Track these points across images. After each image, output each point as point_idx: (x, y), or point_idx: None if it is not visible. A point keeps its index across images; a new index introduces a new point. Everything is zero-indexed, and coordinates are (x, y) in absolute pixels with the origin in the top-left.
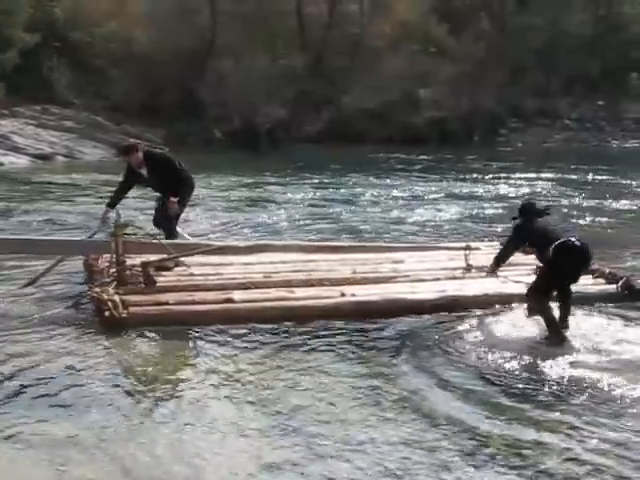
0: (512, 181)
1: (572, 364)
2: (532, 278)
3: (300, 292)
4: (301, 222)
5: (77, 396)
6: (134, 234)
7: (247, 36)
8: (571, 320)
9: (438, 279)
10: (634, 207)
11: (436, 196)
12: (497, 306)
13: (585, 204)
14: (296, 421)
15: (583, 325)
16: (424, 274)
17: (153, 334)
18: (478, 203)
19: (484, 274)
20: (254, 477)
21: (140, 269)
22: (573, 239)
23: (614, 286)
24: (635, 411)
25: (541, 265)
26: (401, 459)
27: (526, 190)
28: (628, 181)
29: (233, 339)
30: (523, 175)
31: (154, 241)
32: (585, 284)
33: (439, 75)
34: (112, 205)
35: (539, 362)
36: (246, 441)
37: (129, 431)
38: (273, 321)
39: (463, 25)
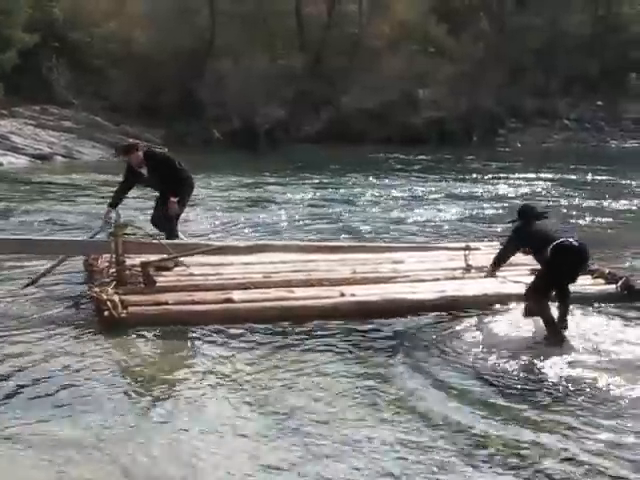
0: (511, 181)
1: (571, 364)
2: (531, 278)
3: (300, 292)
4: (300, 222)
5: (76, 396)
6: (134, 234)
7: (246, 36)
8: (570, 320)
9: (438, 279)
10: (633, 207)
11: (435, 196)
12: (496, 306)
13: (584, 204)
14: (294, 422)
15: (582, 325)
16: (424, 274)
17: (152, 334)
18: (477, 203)
19: (483, 275)
20: (252, 477)
21: (140, 269)
22: (571, 239)
23: (613, 286)
24: (633, 412)
25: (539, 267)
26: (398, 459)
27: (525, 190)
28: (627, 181)
29: (232, 339)
30: (522, 175)
31: (154, 241)
32: (585, 284)
33: (438, 75)
34: (114, 205)
35: (538, 362)
36: (244, 441)
37: (128, 431)
38: (272, 321)
39: (462, 25)
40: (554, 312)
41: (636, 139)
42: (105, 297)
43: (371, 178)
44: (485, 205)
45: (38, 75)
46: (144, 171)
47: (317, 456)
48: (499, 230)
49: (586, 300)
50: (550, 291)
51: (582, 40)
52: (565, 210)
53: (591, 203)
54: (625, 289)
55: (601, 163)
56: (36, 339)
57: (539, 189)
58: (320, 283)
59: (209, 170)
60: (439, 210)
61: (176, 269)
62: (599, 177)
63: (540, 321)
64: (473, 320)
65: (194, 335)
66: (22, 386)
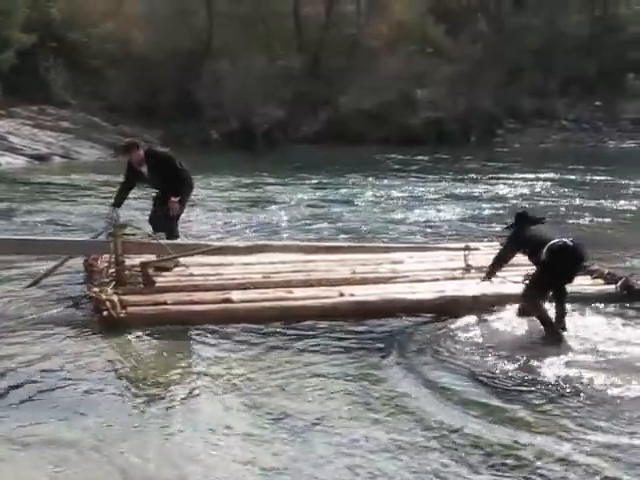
0: (510, 182)
1: (568, 364)
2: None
3: (299, 292)
4: (300, 223)
5: (74, 396)
6: (133, 234)
7: (244, 37)
8: (569, 320)
9: (437, 279)
10: (632, 207)
11: (434, 196)
12: (496, 307)
13: (583, 204)
14: (289, 423)
15: (581, 325)
16: (423, 274)
17: (151, 334)
18: (476, 203)
19: (481, 278)
20: (247, 478)
21: (139, 269)
22: (566, 239)
23: (613, 286)
24: (631, 413)
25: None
26: (392, 461)
27: (524, 191)
28: (625, 181)
29: (232, 339)
30: (520, 176)
31: (153, 241)
32: (584, 284)
33: (436, 76)
34: (117, 205)
35: (535, 362)
36: (240, 443)
37: (126, 432)
38: (271, 321)
39: (460, 26)
40: (551, 313)
41: (634, 139)
42: (104, 297)
43: (370, 178)
44: (484, 205)
45: (36, 75)
46: (144, 170)
47: (311, 457)
48: (498, 230)
49: (585, 300)
50: (547, 292)
51: (580, 40)
52: (564, 210)
53: (590, 203)
54: (624, 289)
55: (599, 163)
56: (35, 339)
57: (537, 189)
58: (320, 283)
59: (207, 171)
60: (438, 210)
61: (176, 269)
62: (597, 177)
63: (537, 321)
64: (471, 320)
65: (193, 335)
66: (20, 386)
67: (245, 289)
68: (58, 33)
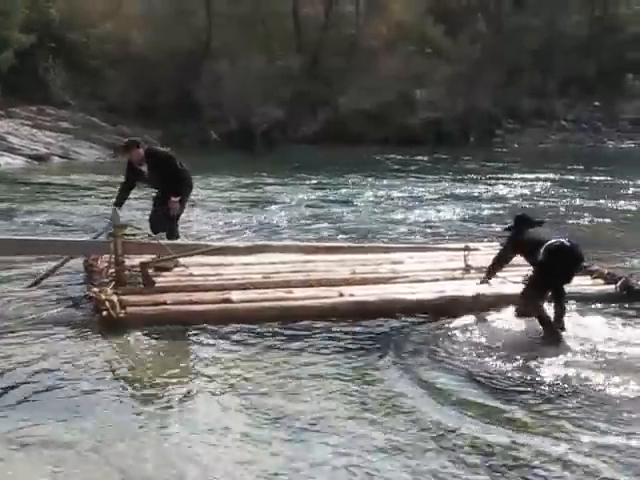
0: (509, 182)
1: (567, 365)
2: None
3: (298, 292)
4: (299, 223)
5: (73, 397)
6: (134, 235)
7: (243, 37)
8: (569, 320)
9: (437, 280)
10: (632, 208)
11: (433, 197)
12: (495, 307)
13: (582, 205)
14: (286, 425)
15: (581, 325)
16: (423, 275)
17: (151, 334)
18: (475, 204)
19: (480, 280)
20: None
21: (139, 269)
22: (563, 240)
23: (613, 286)
24: (629, 414)
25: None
26: (390, 462)
27: (523, 191)
28: (625, 182)
29: (230, 340)
30: (520, 176)
31: (153, 242)
32: (584, 284)
33: (435, 76)
34: (119, 204)
35: (533, 363)
36: (238, 444)
37: (125, 433)
38: (271, 321)
39: (459, 26)
40: (550, 313)
41: (633, 139)
42: (104, 297)
43: (369, 179)
44: (484, 205)
45: (35, 75)
46: (144, 169)
47: (309, 457)
48: (498, 230)
49: (585, 300)
50: (546, 292)
51: (579, 41)
52: (563, 211)
53: (589, 204)
54: (624, 289)
55: (598, 164)
56: (34, 339)
57: (536, 190)
58: (319, 284)
59: (207, 171)
60: (437, 210)
61: (176, 270)
62: (596, 178)
63: (536, 321)
64: (470, 321)
65: (193, 335)
66: (19, 386)
67: (245, 289)
68: (57, 33)
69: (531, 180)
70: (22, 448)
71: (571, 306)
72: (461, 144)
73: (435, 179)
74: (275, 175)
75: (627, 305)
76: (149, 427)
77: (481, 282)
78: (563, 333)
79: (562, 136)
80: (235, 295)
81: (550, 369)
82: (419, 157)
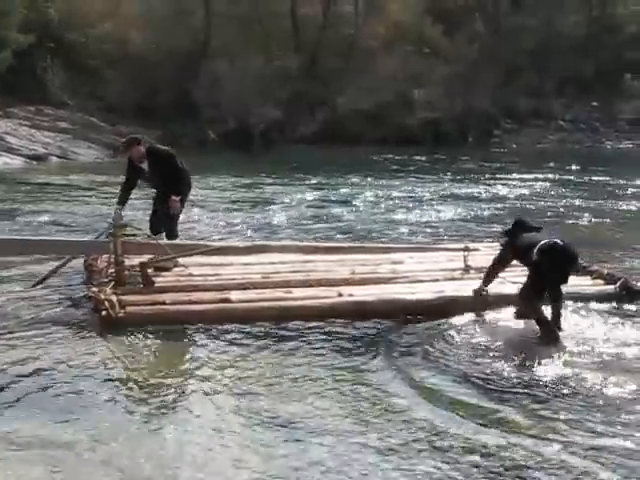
0: (507, 182)
1: (565, 365)
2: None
3: (297, 292)
4: (298, 223)
5: (71, 396)
6: (134, 235)
7: (241, 37)
8: (569, 320)
9: (437, 280)
10: (631, 208)
11: (432, 197)
12: (495, 307)
13: (580, 205)
14: (282, 425)
15: (580, 326)
16: (422, 275)
17: (150, 334)
18: (474, 204)
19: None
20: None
21: (138, 269)
22: (556, 240)
23: (612, 287)
24: (627, 415)
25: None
26: (384, 463)
27: (521, 191)
28: (623, 182)
29: (229, 340)
30: (518, 176)
31: (153, 242)
32: (584, 285)
33: (433, 76)
34: (122, 203)
35: (531, 363)
36: (234, 445)
37: (123, 433)
38: (270, 321)
39: (457, 26)
40: (548, 313)
41: (631, 140)
42: (103, 297)
43: (368, 179)
44: (483, 206)
45: (33, 76)
46: (145, 166)
47: (303, 458)
48: (497, 231)
49: (585, 300)
50: (542, 292)
51: (577, 41)
52: (562, 211)
53: (587, 204)
54: (624, 290)
55: (596, 164)
56: (33, 339)
57: (535, 190)
58: (319, 284)
59: (205, 171)
60: (437, 211)
61: (175, 270)
62: (595, 178)
63: (534, 322)
64: (468, 321)
65: (191, 335)
66: (17, 386)
67: (244, 289)
68: (56, 33)
69: (529, 180)
70: (19, 447)
71: (571, 306)
72: (459, 144)
73: (433, 179)
74: (273, 175)
75: (627, 305)
76: (147, 427)
77: (478, 289)
78: (561, 333)
79: (560, 136)
80: (234, 295)
81: (547, 370)
82: (417, 157)
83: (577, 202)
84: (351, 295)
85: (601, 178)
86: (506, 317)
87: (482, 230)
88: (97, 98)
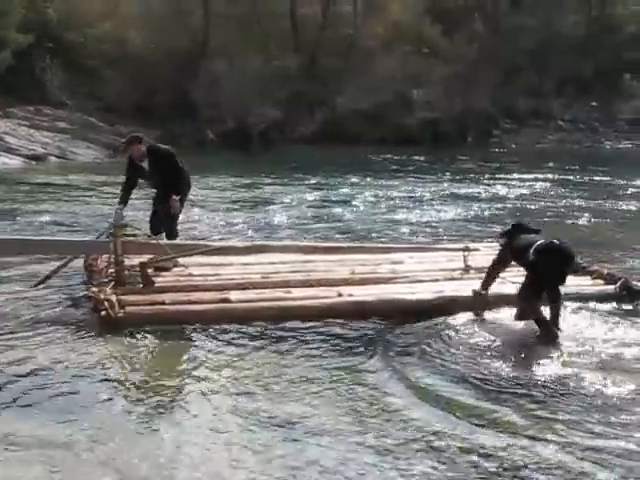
0: (507, 182)
1: (564, 365)
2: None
3: (297, 292)
4: (298, 223)
5: (69, 396)
6: (134, 235)
7: (240, 37)
8: (568, 320)
9: (437, 280)
10: (630, 208)
11: (432, 197)
12: (494, 307)
13: (580, 205)
14: (279, 425)
15: (580, 326)
16: (422, 275)
17: (149, 334)
18: (474, 204)
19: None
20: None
21: (138, 269)
22: (552, 240)
23: (612, 287)
24: (626, 416)
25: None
26: (381, 464)
27: (521, 191)
28: (622, 182)
29: (228, 340)
30: (517, 176)
31: (153, 242)
32: (584, 285)
33: (432, 76)
34: (123, 203)
35: (530, 363)
36: (232, 446)
37: (122, 433)
38: (269, 321)
39: (456, 26)
40: (546, 314)
41: (630, 140)
42: (103, 297)
43: (367, 179)
44: (483, 206)
45: (32, 76)
46: (145, 165)
47: (299, 458)
48: (497, 231)
49: (585, 300)
50: (541, 292)
51: (576, 41)
52: (561, 211)
53: (587, 204)
54: (624, 290)
55: (596, 164)
56: (33, 338)
57: (534, 190)
58: (319, 284)
59: (204, 171)
60: (436, 210)
61: (175, 270)
62: (594, 178)
63: (533, 322)
64: (467, 321)
65: (191, 335)
66: (16, 386)
67: (244, 289)
68: (54, 33)
69: (529, 180)
70: (18, 448)
71: (571, 306)
72: (458, 144)
73: (433, 179)
74: (273, 175)
75: (627, 305)
76: (145, 427)
77: (477, 292)
78: (561, 333)
79: (559, 136)
80: (234, 295)
81: (545, 370)
82: (416, 157)
83: (577, 202)
84: (351, 295)
85: (600, 178)
86: (505, 317)
87: (482, 230)
88: (96, 98)
